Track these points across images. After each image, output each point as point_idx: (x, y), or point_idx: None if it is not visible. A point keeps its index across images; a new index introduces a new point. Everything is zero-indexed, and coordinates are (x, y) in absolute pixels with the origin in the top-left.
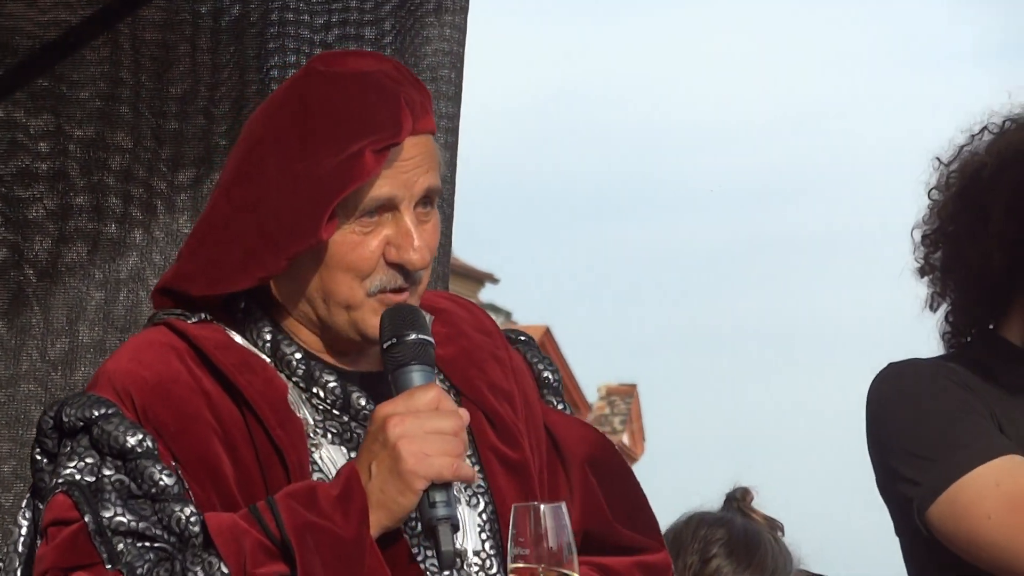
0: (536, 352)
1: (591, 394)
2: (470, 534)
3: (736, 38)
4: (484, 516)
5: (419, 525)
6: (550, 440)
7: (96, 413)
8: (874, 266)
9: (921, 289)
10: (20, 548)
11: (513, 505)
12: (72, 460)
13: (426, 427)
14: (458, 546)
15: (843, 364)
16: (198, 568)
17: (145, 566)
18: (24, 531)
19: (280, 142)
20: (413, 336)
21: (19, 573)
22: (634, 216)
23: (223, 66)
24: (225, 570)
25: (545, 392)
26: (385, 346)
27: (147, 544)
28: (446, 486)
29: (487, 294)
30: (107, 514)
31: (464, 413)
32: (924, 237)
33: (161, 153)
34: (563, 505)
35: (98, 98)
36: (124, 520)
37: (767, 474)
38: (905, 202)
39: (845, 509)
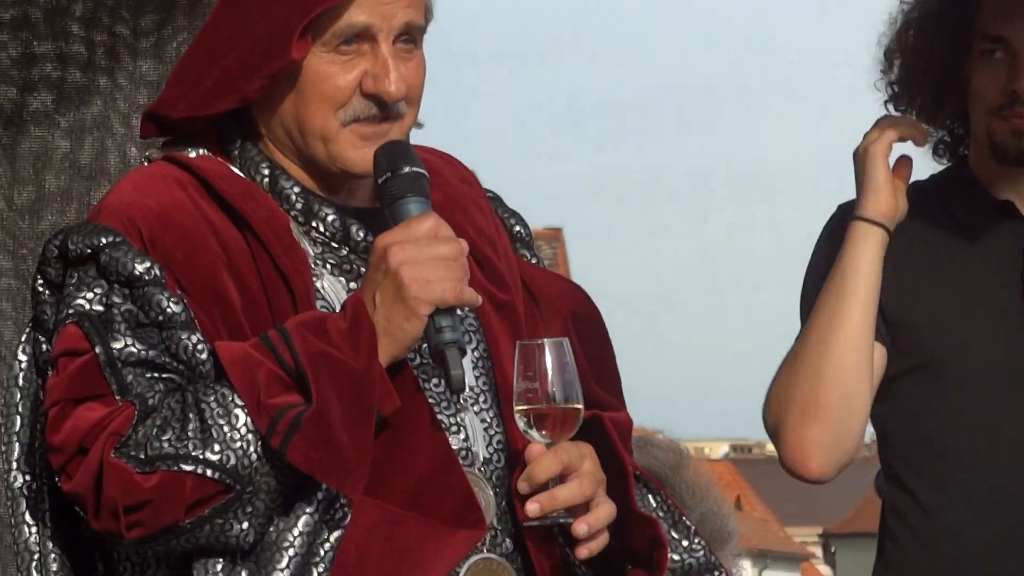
0: (504, 206)
1: None
2: (464, 371)
3: None
4: (476, 354)
5: (419, 356)
6: (527, 291)
7: (104, 240)
8: (808, 105)
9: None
10: (21, 382)
11: (518, 342)
12: (81, 290)
13: (426, 253)
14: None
15: (782, 207)
16: (211, 399)
17: (156, 396)
18: (24, 364)
19: None
20: (407, 169)
21: (20, 407)
22: (563, 57)
23: None
24: (239, 401)
25: (518, 246)
26: (380, 181)
27: (156, 375)
28: (451, 312)
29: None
30: (117, 345)
31: (463, 241)
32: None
33: None
34: (566, 341)
35: None
36: (134, 350)
37: (695, 319)
38: (828, 46)
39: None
